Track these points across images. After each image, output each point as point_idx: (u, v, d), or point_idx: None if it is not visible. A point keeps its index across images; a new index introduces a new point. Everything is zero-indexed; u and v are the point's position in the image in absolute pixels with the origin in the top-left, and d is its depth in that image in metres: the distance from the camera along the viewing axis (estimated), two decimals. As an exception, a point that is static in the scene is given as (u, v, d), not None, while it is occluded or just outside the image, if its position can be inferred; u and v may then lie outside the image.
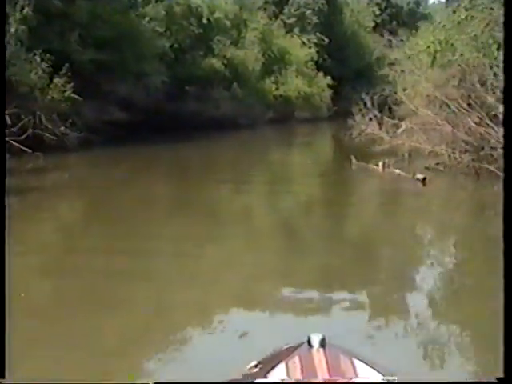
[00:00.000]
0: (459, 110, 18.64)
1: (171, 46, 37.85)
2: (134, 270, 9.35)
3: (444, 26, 21.90)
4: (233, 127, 38.80)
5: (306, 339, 3.87)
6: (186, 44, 40.46)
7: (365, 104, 22.47)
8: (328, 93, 54.72)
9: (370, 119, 22.32)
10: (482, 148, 17.44)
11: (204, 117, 38.54)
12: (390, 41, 28.49)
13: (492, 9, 18.01)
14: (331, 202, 16.48)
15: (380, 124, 21.73)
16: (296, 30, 54.91)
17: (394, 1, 74.94)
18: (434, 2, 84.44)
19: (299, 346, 3.95)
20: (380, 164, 19.95)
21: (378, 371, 3.67)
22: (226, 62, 42.03)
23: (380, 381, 3.56)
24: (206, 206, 15.08)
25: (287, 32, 53.69)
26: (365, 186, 19.79)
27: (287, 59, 50.91)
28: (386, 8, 73.40)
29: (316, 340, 3.82)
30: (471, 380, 5.87)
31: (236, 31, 45.69)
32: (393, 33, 68.98)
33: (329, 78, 54.68)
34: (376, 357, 4.09)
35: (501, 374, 3.43)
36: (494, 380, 3.43)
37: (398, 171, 18.90)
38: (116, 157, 25.96)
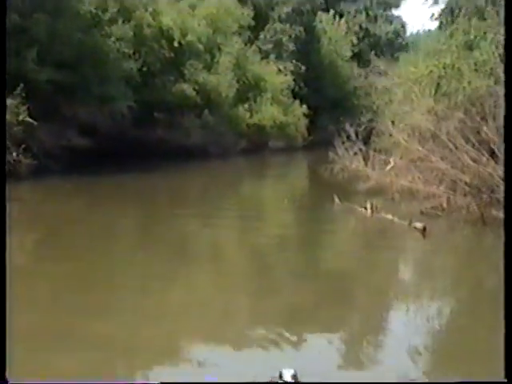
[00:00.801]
0: (455, 145, 16.46)
1: (140, 70, 35.54)
2: (97, 308, 9.20)
3: (449, 47, 19.71)
4: (203, 156, 37.29)
5: (277, 374, 4.26)
6: (155, 67, 38.19)
7: (348, 136, 20.17)
8: (304, 122, 53.10)
9: (355, 153, 20.14)
10: (483, 189, 15.10)
11: (173, 145, 36.87)
12: (371, 70, 25.88)
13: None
14: (308, 244, 15.08)
15: (365, 159, 19.52)
16: (272, 56, 53.20)
17: (372, 30, 74.06)
18: (411, 33, 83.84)
19: (271, 381, 4.27)
20: (368, 206, 17.45)
21: None
22: (197, 87, 39.88)
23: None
24: (172, 242, 14.49)
25: (263, 58, 51.85)
26: (349, 232, 17.44)
27: (262, 86, 49.14)
28: (364, 37, 72.42)
29: (287, 375, 4.25)
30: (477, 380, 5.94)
31: (209, 55, 43.51)
32: (370, 63, 69.87)
33: (305, 106, 53.05)
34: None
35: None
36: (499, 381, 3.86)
37: (390, 216, 16.43)
38: (75, 186, 24.47)
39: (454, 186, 16.66)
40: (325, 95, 59.70)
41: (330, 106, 60.23)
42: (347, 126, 20.77)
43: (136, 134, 35.26)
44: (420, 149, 17.81)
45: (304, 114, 52.97)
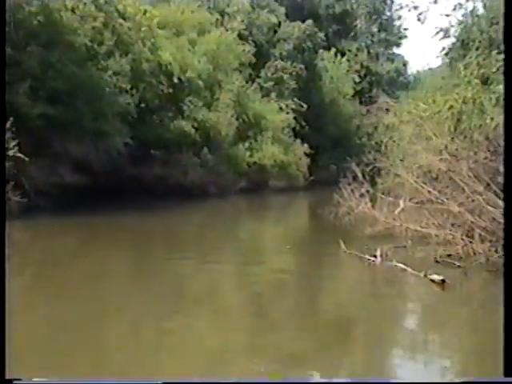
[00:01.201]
0: (470, 187, 15.16)
1: (137, 105, 34.42)
2: (89, 349, 9.13)
3: (469, 81, 18.48)
4: (201, 196, 36.41)
5: None
6: (153, 104, 37.20)
7: (354, 176, 18.88)
8: (305, 161, 51.98)
9: (361, 195, 18.80)
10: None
11: (170, 183, 36.13)
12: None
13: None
14: (309, 291, 13.57)
15: (372, 201, 18.21)
16: (273, 94, 52.34)
17: (373, 69, 73.55)
18: (412, 72, 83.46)
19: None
20: (378, 253, 15.71)
21: None
22: (196, 125, 39.05)
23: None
24: (167, 284, 13.85)
25: (263, 96, 51.08)
26: (355, 280, 15.64)
27: (263, 124, 48.17)
28: (365, 75, 71.87)
29: None
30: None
31: (209, 92, 42.70)
32: (372, 101, 69.16)
33: (306, 145, 52.05)
34: None
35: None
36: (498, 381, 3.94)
37: (402, 265, 14.69)
38: (67, 225, 23.42)
39: (470, 232, 15.22)
40: (326, 134, 59.02)
41: (331, 145, 59.73)
42: (353, 166, 19.14)
43: (132, 172, 34.50)
44: (431, 190, 16.47)
45: (305, 153, 51.93)
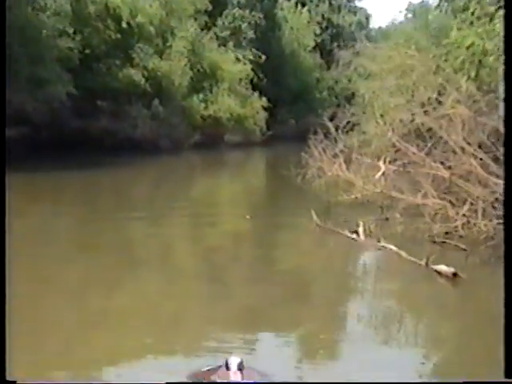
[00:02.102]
0: (463, 149, 12.79)
1: (81, 51, 31.77)
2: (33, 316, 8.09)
3: (471, 22, 15.84)
4: (152, 151, 34.58)
5: (223, 362, 4.16)
6: (100, 50, 35.26)
7: (325, 134, 16.53)
8: (263, 115, 49.40)
9: (335, 155, 16.41)
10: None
11: (119, 137, 34.45)
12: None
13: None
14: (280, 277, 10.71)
15: (347, 163, 15.85)
16: (230, 44, 49.56)
17: (335, 21, 70.85)
18: (375, 27, 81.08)
19: (217, 368, 4.32)
20: (360, 229, 12.61)
21: None
22: (147, 74, 36.78)
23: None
24: (114, 246, 12.74)
25: (220, 46, 48.25)
26: (337, 270, 11.66)
27: (219, 75, 45.44)
28: (326, 28, 69.01)
29: (234, 363, 4.18)
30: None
31: (161, 40, 40.01)
32: (333, 55, 66.83)
33: (264, 99, 49.41)
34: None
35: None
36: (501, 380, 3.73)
37: (392, 247, 11.38)
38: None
39: (471, 205, 12.25)
40: (285, 87, 56.71)
41: (290, 99, 57.66)
42: (325, 120, 16.84)
43: (77, 124, 32.96)
44: (416, 152, 14.02)
45: (263, 107, 49.39)
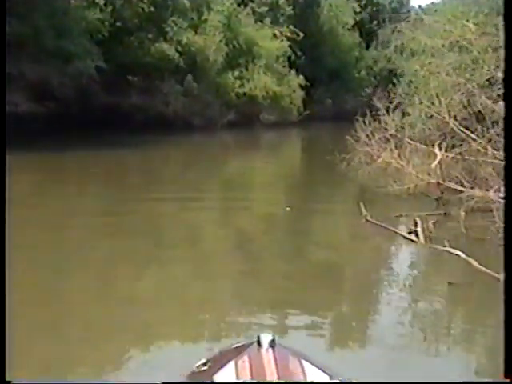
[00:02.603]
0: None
1: (112, 24, 30.42)
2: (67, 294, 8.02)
3: None
4: (184, 129, 33.62)
5: (255, 339, 3.96)
6: (132, 23, 34.07)
7: (374, 115, 14.91)
8: (299, 94, 47.94)
9: (387, 139, 14.77)
10: None
11: (150, 114, 33.51)
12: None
13: None
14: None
15: (397, 148, 14.22)
16: (267, 20, 48.05)
17: None
18: (414, 7, 78.54)
19: (249, 345, 4.07)
20: (419, 230, 10.36)
21: (326, 373, 3.82)
22: (180, 48, 35.51)
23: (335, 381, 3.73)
24: (142, 229, 11.99)
25: (256, 21, 46.84)
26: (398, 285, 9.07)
27: (255, 52, 43.93)
28: (365, 6, 66.98)
29: (266, 340, 3.93)
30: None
31: (196, 13, 38.55)
32: (372, 33, 65.06)
33: (301, 77, 47.88)
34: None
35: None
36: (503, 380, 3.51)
37: (462, 255, 9.02)
38: (25, 163, 19.44)
39: None
40: (323, 66, 55.17)
41: (328, 78, 56.23)
42: (374, 100, 15.24)
43: (106, 100, 31.72)
44: (476, 138, 12.34)
45: (300, 86, 47.86)
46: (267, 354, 3.79)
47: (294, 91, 47.11)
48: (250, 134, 38.12)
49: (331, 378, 3.72)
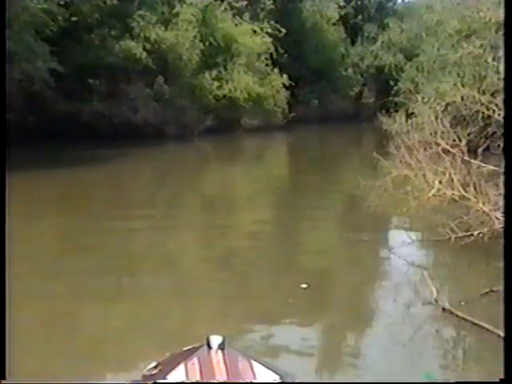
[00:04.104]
0: None
1: (68, 19, 26.99)
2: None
3: None
4: (156, 138, 31.08)
5: (205, 341, 4.12)
6: (92, 18, 30.56)
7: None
8: (284, 95, 44.29)
9: (411, 150, 11.04)
10: None
11: (115, 122, 30.64)
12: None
13: None
14: None
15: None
16: (246, 16, 44.48)
17: None
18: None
19: (199, 347, 4.23)
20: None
21: (276, 373, 3.95)
22: (149, 46, 32.25)
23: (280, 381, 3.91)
24: (111, 251, 11.52)
25: (235, 16, 42.92)
26: None
27: (234, 49, 40.38)
28: (350, 0, 63.59)
29: (215, 342, 4.10)
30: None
31: (166, 7, 35.08)
32: (357, 29, 61.70)
33: (285, 76, 44.19)
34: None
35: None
36: (496, 381, 3.60)
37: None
38: None
39: None
40: (307, 64, 51.84)
41: (312, 78, 52.76)
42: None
43: (65, 108, 29.20)
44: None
45: (284, 86, 44.18)
46: (217, 356, 3.94)
47: (278, 92, 43.51)
48: (231, 142, 35.71)
49: (281, 378, 3.85)
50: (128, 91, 31.40)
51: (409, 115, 16.36)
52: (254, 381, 3.77)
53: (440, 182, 10.13)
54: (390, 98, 37.52)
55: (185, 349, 4.35)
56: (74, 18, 27.81)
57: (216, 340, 3.99)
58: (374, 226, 13.11)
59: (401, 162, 11.26)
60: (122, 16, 31.61)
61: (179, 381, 3.74)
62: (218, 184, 22.26)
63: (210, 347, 3.97)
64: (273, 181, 22.78)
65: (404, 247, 10.82)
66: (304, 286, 8.97)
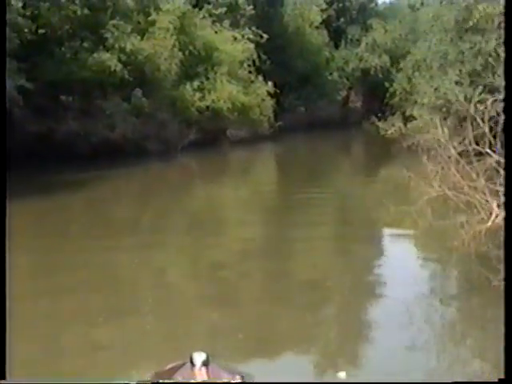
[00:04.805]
0: None
1: (35, 32, 25.19)
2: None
3: None
4: (137, 155, 29.61)
5: (188, 359, 4.42)
6: (62, 30, 29.27)
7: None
8: (269, 103, 42.62)
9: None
10: None
11: (92, 142, 29.16)
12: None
13: None
14: None
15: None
16: (225, 23, 42.96)
17: None
18: (389, 1, 74.36)
19: (182, 365, 4.60)
20: None
21: None
22: (124, 58, 30.69)
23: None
24: (91, 285, 11.42)
25: (214, 23, 41.51)
26: None
27: (216, 58, 38.74)
28: (332, 2, 62.42)
29: (199, 359, 4.40)
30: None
31: (142, 15, 33.50)
32: (340, 31, 60.43)
33: (270, 83, 42.62)
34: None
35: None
36: (495, 381, 3.89)
37: None
38: None
39: None
40: (291, 70, 50.42)
41: (298, 83, 51.28)
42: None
43: (35, 129, 27.53)
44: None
45: (269, 94, 42.47)
46: (200, 373, 4.25)
47: (264, 100, 41.91)
48: (216, 155, 34.40)
49: None
50: (104, 107, 29.89)
51: (407, 118, 16.56)
52: None
53: (498, 206, 8.29)
54: (386, 101, 36.24)
55: (169, 366, 4.54)
56: (41, 31, 26.13)
57: (199, 357, 4.20)
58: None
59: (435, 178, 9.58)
60: (94, 27, 30.17)
61: (179, 381, 4.08)
62: (203, 204, 21.48)
63: (193, 364, 4.18)
64: (262, 198, 22.05)
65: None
66: (342, 374, 7.78)
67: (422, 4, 63.02)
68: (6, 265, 5.89)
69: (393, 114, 18.32)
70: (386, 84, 41.64)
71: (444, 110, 21.49)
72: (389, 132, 24.25)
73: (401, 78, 32.26)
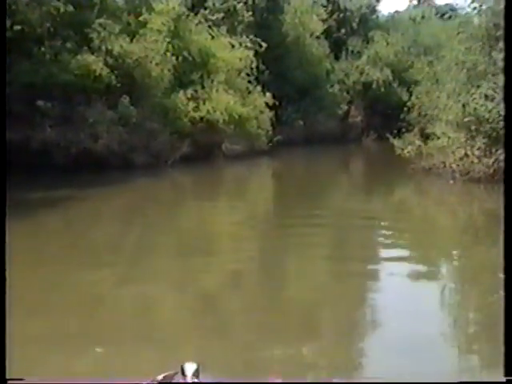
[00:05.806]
0: None
1: (10, 29, 23.64)
2: None
3: None
4: (123, 169, 28.43)
5: (179, 369, 4.44)
6: (42, 29, 27.66)
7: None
8: (267, 116, 40.71)
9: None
10: None
11: (72, 153, 27.66)
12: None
13: None
14: None
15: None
16: (223, 29, 41.31)
17: (342, 4, 63.22)
18: (388, 13, 73.14)
19: (173, 375, 4.57)
20: None
21: None
22: (112, 61, 29.07)
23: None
24: (80, 306, 11.32)
25: (210, 27, 39.78)
26: None
27: (212, 65, 36.87)
28: (332, 12, 61.08)
29: (190, 369, 4.40)
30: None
31: (132, 15, 31.63)
32: (340, 43, 58.91)
33: (268, 95, 40.65)
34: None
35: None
36: (500, 380, 3.89)
37: None
38: None
39: None
40: (290, 81, 48.92)
41: (296, 95, 49.61)
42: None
43: (13, 137, 23.85)
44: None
45: (267, 105, 40.54)
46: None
47: (262, 112, 39.91)
48: (210, 171, 32.67)
49: None
50: (87, 114, 28.24)
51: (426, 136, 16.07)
52: None
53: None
54: (402, 116, 33.98)
55: (159, 377, 4.55)
56: (17, 27, 24.22)
57: (190, 367, 4.27)
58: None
59: None
60: (78, 25, 28.60)
61: (180, 381, 4.16)
62: (193, 228, 19.86)
63: (184, 375, 4.25)
64: (258, 221, 20.70)
65: None
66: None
67: (423, 17, 62.51)
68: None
69: (409, 131, 17.58)
70: (404, 97, 39.78)
71: (473, 128, 19.17)
72: (405, 151, 21.91)
73: (419, 91, 29.77)
